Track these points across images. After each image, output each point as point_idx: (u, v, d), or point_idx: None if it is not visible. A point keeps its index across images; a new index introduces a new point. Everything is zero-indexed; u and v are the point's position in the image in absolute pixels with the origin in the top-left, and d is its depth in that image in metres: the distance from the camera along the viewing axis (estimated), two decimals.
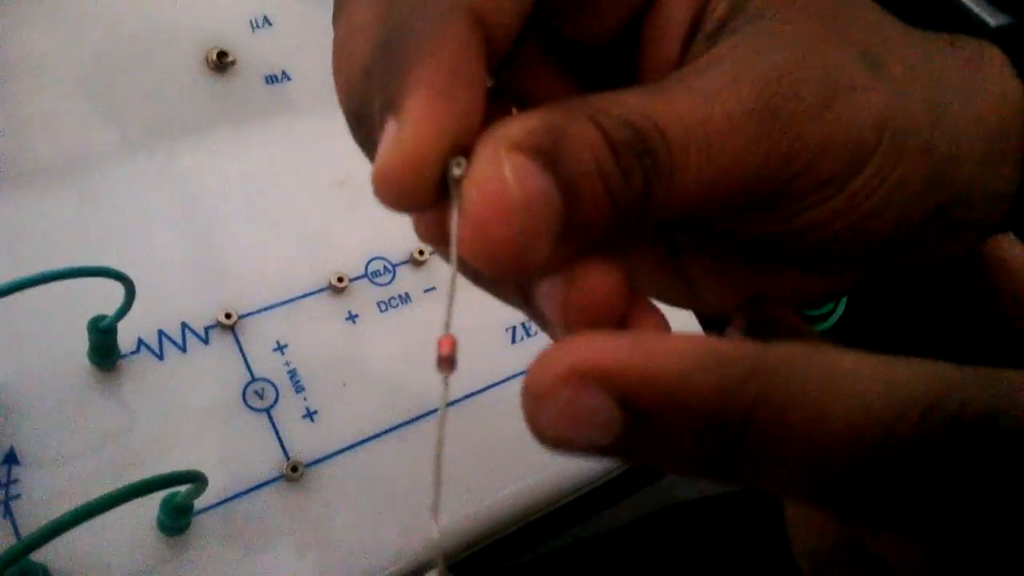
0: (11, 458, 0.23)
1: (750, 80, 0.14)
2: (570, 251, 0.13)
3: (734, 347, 0.11)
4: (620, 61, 0.16)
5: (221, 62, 0.29)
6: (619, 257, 0.14)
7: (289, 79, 0.30)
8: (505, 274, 0.12)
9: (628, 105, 0.13)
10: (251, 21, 0.30)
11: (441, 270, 0.30)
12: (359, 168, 0.31)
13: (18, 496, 0.23)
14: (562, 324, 0.13)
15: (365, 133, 0.15)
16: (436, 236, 0.14)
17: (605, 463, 0.29)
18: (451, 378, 0.30)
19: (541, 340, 0.30)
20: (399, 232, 0.30)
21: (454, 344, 0.12)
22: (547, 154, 0.12)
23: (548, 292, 0.13)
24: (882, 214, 0.15)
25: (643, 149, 0.13)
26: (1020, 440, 0.10)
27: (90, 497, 0.23)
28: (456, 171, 0.12)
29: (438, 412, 0.13)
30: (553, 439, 0.11)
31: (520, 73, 0.16)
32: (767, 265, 0.17)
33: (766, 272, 0.17)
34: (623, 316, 0.14)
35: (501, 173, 0.12)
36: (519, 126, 0.12)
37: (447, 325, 0.13)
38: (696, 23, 0.15)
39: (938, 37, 0.17)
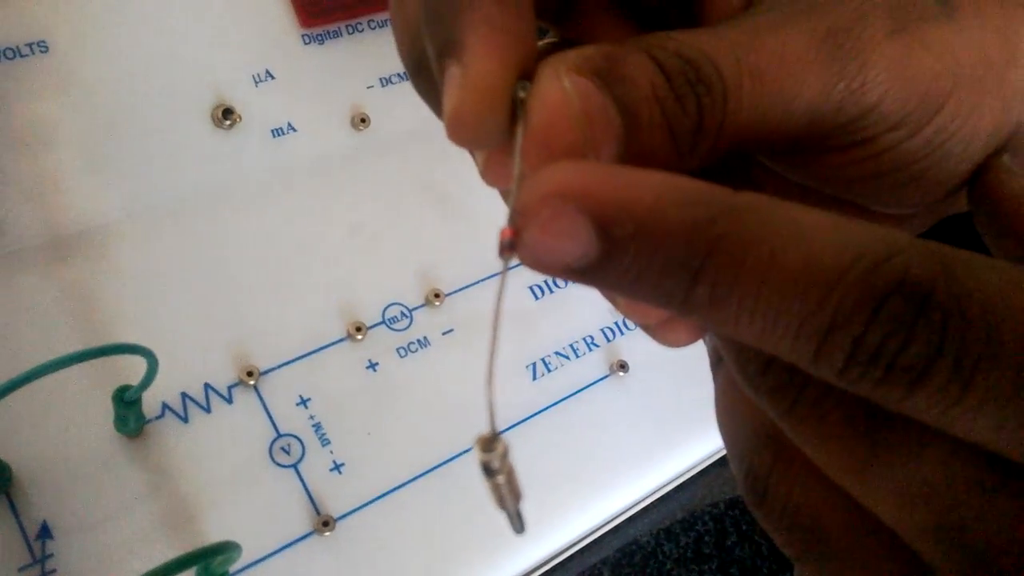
0: (45, 532, 0.23)
1: (808, 9, 0.14)
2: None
3: (708, 188, 0.11)
4: (682, 16, 0.17)
5: (227, 119, 0.29)
6: None
7: (295, 131, 0.31)
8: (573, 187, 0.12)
9: (680, 40, 0.13)
10: (254, 76, 0.30)
11: (457, 311, 0.30)
12: (370, 214, 0.31)
13: (54, 571, 0.23)
14: None
15: (425, 81, 0.15)
16: (502, 174, 0.14)
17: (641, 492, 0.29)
18: (471, 422, 0.30)
19: (562, 376, 0.30)
20: (414, 276, 0.30)
21: (514, 232, 0.12)
22: (604, 77, 0.13)
23: None
24: (958, 157, 0.15)
25: (695, 77, 0.13)
26: (949, 306, 0.10)
27: (125, 567, 0.24)
28: (521, 93, 0.13)
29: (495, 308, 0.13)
30: (532, 256, 0.12)
31: (582, 27, 0.17)
32: (838, 210, 0.17)
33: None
34: None
35: (562, 86, 0.13)
36: (577, 53, 0.13)
37: (510, 219, 0.12)
38: None
39: None
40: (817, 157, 0.15)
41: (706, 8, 0.16)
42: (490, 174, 0.15)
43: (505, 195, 0.15)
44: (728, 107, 0.13)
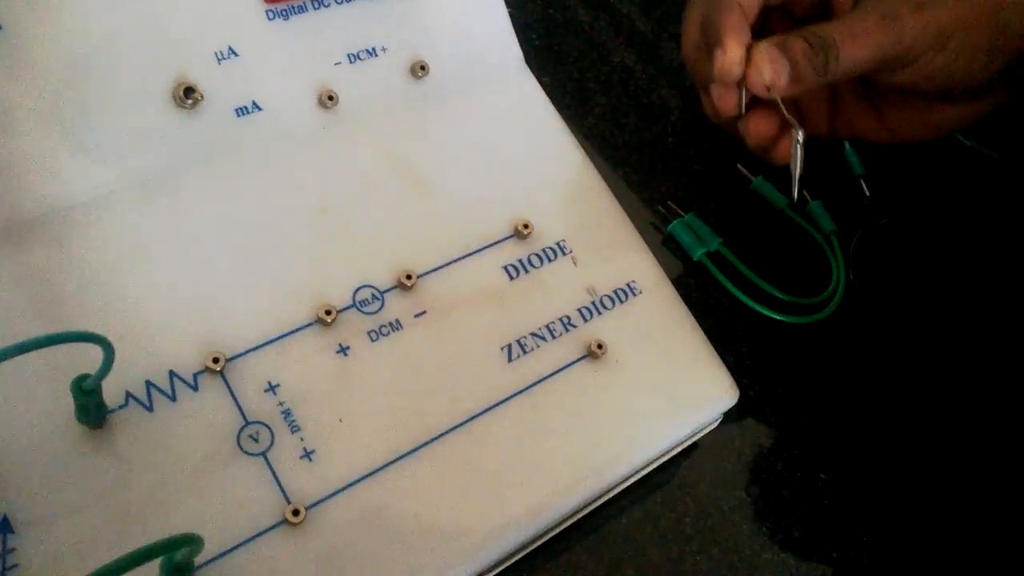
0: (5, 527, 0.23)
1: (877, 6, 0.31)
2: (798, 87, 0.31)
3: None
4: (821, 15, 0.35)
5: (188, 98, 0.28)
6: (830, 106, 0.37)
7: (260, 109, 0.30)
8: (770, 91, 0.31)
9: (814, 29, 0.31)
10: (216, 53, 0.29)
11: (430, 293, 0.29)
12: (339, 194, 0.30)
13: (15, 566, 0.22)
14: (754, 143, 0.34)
15: (696, 69, 0.35)
16: (733, 106, 0.33)
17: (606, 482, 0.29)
18: (445, 405, 0.29)
19: (538, 357, 0.29)
20: (384, 257, 0.29)
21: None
22: (781, 47, 0.31)
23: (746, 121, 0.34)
24: (965, 72, 0.31)
25: (823, 45, 0.30)
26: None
27: (89, 560, 0.23)
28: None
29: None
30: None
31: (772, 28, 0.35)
32: (915, 104, 0.34)
33: (916, 107, 0.34)
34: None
35: (769, 50, 0.31)
36: (770, 38, 0.31)
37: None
38: None
39: None
40: (892, 73, 0.32)
41: (833, 9, 0.34)
42: (723, 102, 0.33)
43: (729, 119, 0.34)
44: (840, 57, 0.30)
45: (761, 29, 0.34)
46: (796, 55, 0.30)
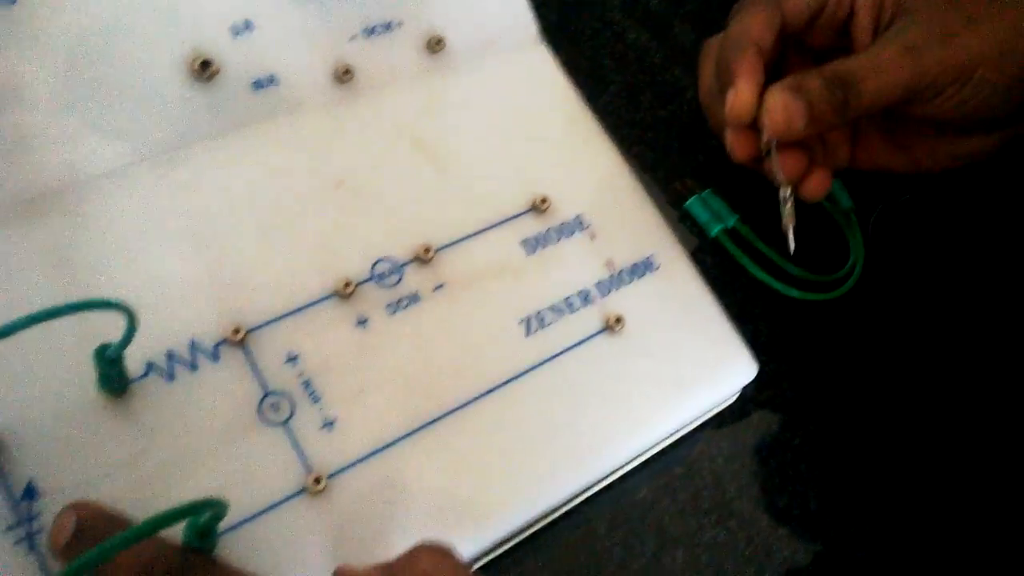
0: (30, 493, 0.23)
1: (899, 39, 0.29)
2: (816, 129, 0.29)
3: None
4: (841, 52, 0.32)
5: (205, 71, 0.28)
6: (850, 143, 0.34)
7: (277, 83, 0.30)
8: (784, 136, 0.29)
9: (833, 67, 0.29)
10: (232, 26, 0.29)
11: (448, 266, 0.29)
12: (356, 168, 0.30)
13: (40, 531, 0.23)
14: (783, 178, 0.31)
15: (711, 113, 0.34)
16: (750, 150, 0.31)
17: (627, 454, 0.29)
18: (463, 377, 0.29)
19: (556, 331, 0.29)
20: (403, 230, 0.29)
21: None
22: (797, 90, 0.29)
23: (777, 159, 0.31)
24: (988, 104, 0.30)
25: (841, 83, 0.29)
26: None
27: None
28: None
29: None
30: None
31: (789, 67, 0.33)
32: (940, 136, 0.32)
33: (940, 139, 0.32)
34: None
35: (782, 94, 0.29)
36: (784, 80, 0.29)
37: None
38: (877, 24, 0.31)
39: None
40: (915, 106, 0.30)
41: (853, 44, 0.32)
42: (738, 148, 0.31)
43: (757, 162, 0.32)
44: (860, 94, 0.29)
45: (780, 61, 0.32)
46: (813, 96, 0.28)
